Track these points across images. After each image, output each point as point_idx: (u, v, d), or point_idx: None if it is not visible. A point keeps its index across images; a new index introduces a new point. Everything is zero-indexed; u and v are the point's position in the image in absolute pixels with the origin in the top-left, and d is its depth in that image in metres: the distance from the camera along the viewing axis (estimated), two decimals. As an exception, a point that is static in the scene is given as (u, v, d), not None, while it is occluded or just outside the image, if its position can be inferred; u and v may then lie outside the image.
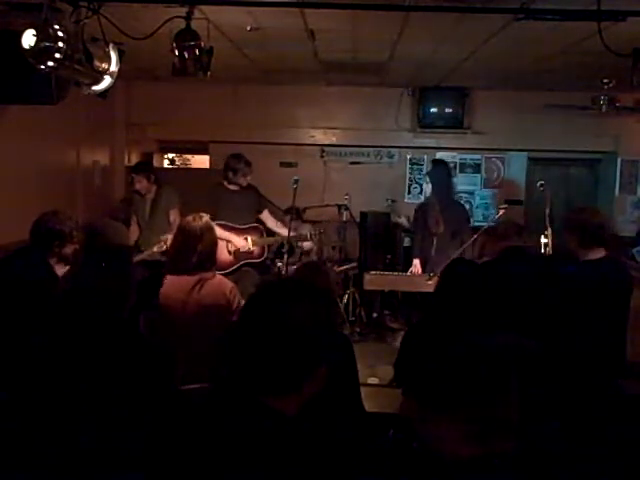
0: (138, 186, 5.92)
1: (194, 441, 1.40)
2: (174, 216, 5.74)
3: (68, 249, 3.51)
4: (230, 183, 5.42)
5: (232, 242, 5.34)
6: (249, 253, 5.34)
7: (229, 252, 5.36)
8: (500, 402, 1.50)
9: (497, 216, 5.59)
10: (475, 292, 3.03)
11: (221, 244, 5.22)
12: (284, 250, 5.49)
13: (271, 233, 5.64)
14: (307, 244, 5.53)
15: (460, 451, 1.49)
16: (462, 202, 7.03)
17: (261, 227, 5.44)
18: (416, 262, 5.91)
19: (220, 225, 5.26)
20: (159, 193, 5.95)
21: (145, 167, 6.21)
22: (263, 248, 5.41)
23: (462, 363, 1.53)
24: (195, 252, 3.26)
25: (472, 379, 1.50)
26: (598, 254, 3.61)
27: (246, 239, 5.35)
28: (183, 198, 5.90)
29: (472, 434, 1.49)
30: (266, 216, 5.59)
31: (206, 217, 3.46)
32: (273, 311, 1.42)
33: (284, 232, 5.49)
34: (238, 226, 5.37)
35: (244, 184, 5.41)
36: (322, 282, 3.09)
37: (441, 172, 6.11)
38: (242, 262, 5.33)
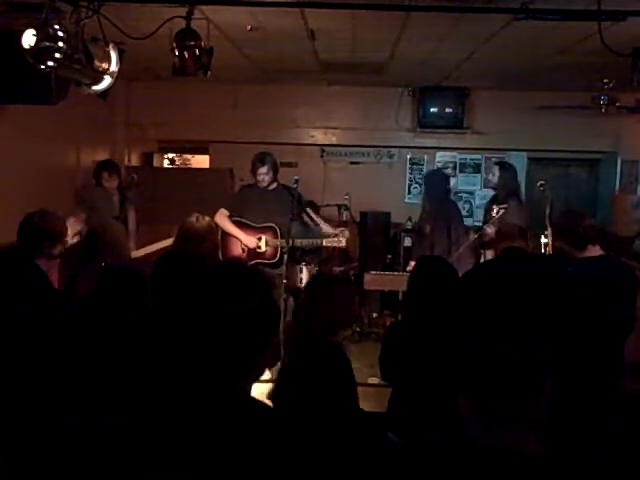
0: (107, 184, 5.74)
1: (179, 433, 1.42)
2: (133, 218, 5.89)
3: (57, 249, 3.43)
4: (257, 181, 5.31)
5: (240, 240, 5.22)
6: (261, 253, 5.21)
7: (242, 250, 5.25)
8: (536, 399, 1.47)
9: (497, 216, 5.59)
10: (444, 290, 2.99)
11: (237, 240, 5.24)
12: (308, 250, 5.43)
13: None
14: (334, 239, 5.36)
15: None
16: (456, 201, 6.96)
17: (277, 228, 5.20)
18: (412, 263, 5.92)
19: (236, 222, 5.25)
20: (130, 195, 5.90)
21: (116, 165, 6.09)
22: (276, 249, 5.24)
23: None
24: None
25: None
26: (594, 252, 3.63)
27: (259, 239, 5.22)
28: (183, 198, 5.90)
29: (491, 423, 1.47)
30: (309, 212, 5.46)
31: (208, 218, 3.41)
32: (212, 298, 1.45)
33: (326, 228, 5.41)
34: (255, 224, 5.22)
35: (264, 183, 5.23)
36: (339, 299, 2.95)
37: (436, 175, 6.21)
38: (253, 262, 5.08)
